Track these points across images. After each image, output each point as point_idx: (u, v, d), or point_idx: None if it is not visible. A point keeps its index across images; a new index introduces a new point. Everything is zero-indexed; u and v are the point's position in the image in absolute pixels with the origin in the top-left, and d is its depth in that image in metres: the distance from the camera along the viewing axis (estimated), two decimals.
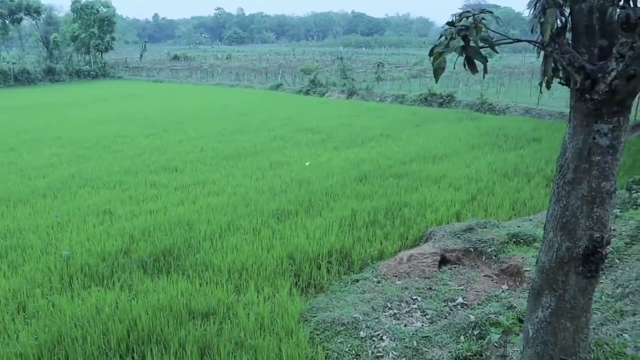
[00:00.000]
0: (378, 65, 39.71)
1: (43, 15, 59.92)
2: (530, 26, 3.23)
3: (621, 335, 4.65)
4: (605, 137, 3.16)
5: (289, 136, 17.53)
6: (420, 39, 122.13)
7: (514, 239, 7.45)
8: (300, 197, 10.04)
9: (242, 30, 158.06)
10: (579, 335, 3.59)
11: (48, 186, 11.62)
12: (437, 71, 3.38)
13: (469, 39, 3.21)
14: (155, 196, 10.70)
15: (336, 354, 5.02)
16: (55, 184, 11.77)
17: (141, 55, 71.86)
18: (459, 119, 20.79)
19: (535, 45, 3.27)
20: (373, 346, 5.14)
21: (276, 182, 11.45)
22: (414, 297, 6.24)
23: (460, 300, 6.17)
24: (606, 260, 4.28)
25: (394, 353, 5.03)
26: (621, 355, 4.35)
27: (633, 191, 8.36)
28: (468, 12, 3.26)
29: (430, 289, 6.48)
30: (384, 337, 5.27)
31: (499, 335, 4.70)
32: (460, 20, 3.26)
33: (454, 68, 3.94)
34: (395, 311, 5.92)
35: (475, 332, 5.17)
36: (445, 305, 6.07)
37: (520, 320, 5.11)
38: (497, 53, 3.80)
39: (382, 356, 5.00)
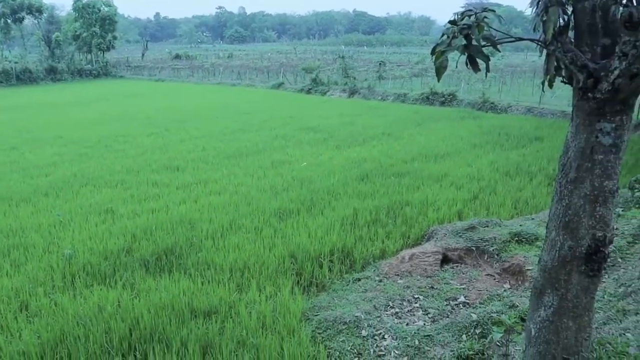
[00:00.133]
0: (380, 64, 39.68)
1: (45, 15, 60.04)
2: (532, 25, 3.23)
3: (624, 334, 4.64)
4: (608, 135, 3.15)
5: (290, 135, 17.53)
6: (422, 37, 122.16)
7: (516, 238, 7.44)
8: (302, 196, 10.04)
9: (244, 29, 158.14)
10: (582, 335, 3.59)
11: (50, 185, 11.64)
12: (440, 70, 3.37)
13: (471, 37, 3.21)
14: (157, 195, 10.71)
15: (338, 353, 5.02)
16: (57, 183, 11.79)
17: (143, 55, 71.95)
18: (460, 117, 20.77)
19: (537, 44, 3.26)
20: (375, 345, 5.14)
21: (278, 181, 11.46)
22: (416, 296, 6.24)
23: (462, 299, 6.16)
24: (609, 260, 4.27)
25: (396, 352, 5.02)
26: (624, 355, 4.34)
27: (636, 190, 8.34)
28: (470, 10, 3.25)
29: (432, 287, 6.48)
30: (386, 336, 5.27)
31: (501, 334, 4.69)
32: (463, 19, 3.25)
33: (456, 67, 3.94)
34: (397, 310, 5.92)
35: (478, 331, 5.17)
36: (447, 304, 6.06)
37: (523, 319, 5.11)
38: (500, 52, 3.80)
39: (384, 355, 4.99)
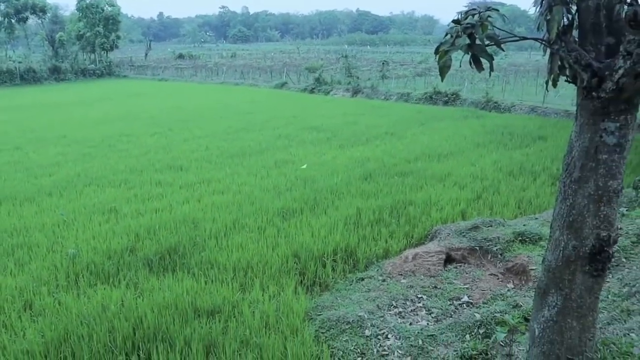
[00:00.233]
0: (383, 63, 39.62)
1: (49, 14, 60.26)
2: (536, 24, 3.22)
3: (628, 334, 4.62)
4: (612, 135, 3.14)
5: (293, 134, 17.53)
6: (425, 37, 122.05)
7: (520, 238, 7.42)
8: (305, 196, 10.04)
9: (247, 29, 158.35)
10: (586, 335, 3.58)
11: (54, 185, 11.67)
12: (443, 69, 3.37)
13: (475, 36, 3.20)
14: (161, 194, 10.73)
15: (341, 353, 5.02)
16: (61, 183, 11.82)
17: (146, 54, 72.11)
18: (464, 117, 20.73)
19: (541, 43, 3.25)
20: (378, 345, 5.13)
21: (281, 180, 11.46)
22: (419, 296, 6.23)
23: (465, 298, 6.15)
24: (613, 259, 4.25)
25: (399, 352, 5.02)
26: (628, 355, 4.33)
27: None
28: (474, 9, 3.25)
29: (436, 287, 6.47)
30: (389, 336, 5.27)
31: (504, 334, 4.68)
32: (466, 18, 3.25)
33: (460, 66, 3.94)
34: (401, 310, 5.91)
35: (481, 331, 5.16)
36: (450, 304, 6.05)
37: (526, 319, 5.09)
38: (503, 51, 3.79)
39: (387, 355, 4.99)
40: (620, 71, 2.90)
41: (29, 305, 6.19)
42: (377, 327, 5.40)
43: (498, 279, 6.75)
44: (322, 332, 5.36)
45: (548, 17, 3.06)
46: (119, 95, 34.80)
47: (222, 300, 6.04)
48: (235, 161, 13.73)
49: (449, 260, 7.28)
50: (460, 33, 3.22)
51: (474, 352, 4.84)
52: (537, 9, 3.17)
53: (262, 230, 8.35)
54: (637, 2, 2.88)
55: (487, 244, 7.41)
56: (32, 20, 61.28)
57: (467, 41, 3.21)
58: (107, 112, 25.55)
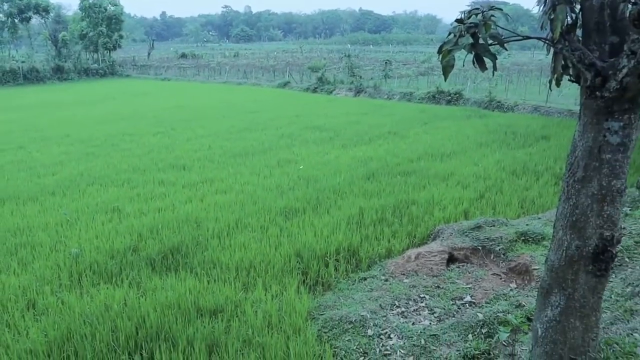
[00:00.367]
0: (386, 62, 39.52)
1: (52, 14, 60.41)
2: (539, 23, 3.21)
3: (631, 334, 4.61)
4: (616, 134, 3.13)
5: (296, 134, 17.53)
6: (428, 36, 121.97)
7: (523, 238, 7.40)
8: (308, 195, 10.04)
9: (250, 28, 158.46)
10: (589, 335, 3.57)
11: (57, 184, 11.70)
12: (446, 69, 3.36)
13: (478, 36, 3.19)
14: (163, 194, 10.74)
15: (344, 352, 5.02)
16: (64, 182, 11.85)
17: (149, 54, 72.19)
18: (467, 116, 20.69)
19: (544, 43, 3.24)
20: (381, 344, 5.13)
21: (284, 180, 11.46)
22: (422, 296, 6.22)
23: (468, 298, 6.15)
24: (616, 259, 4.24)
25: (402, 351, 5.01)
26: (631, 355, 4.31)
27: None
28: (477, 9, 3.24)
29: (438, 287, 6.46)
30: (392, 336, 5.26)
31: (507, 334, 4.67)
32: (469, 18, 3.24)
33: (463, 65, 3.93)
34: (403, 309, 5.91)
35: (484, 331, 5.15)
36: (453, 304, 6.05)
37: (529, 319, 5.08)
38: (506, 50, 3.79)
39: (390, 354, 4.99)
40: (624, 70, 2.89)
41: (32, 305, 6.21)
42: (380, 327, 5.39)
43: (501, 278, 6.74)
44: (325, 332, 5.36)
45: (551, 16, 3.05)
46: (122, 95, 34.86)
47: (224, 299, 6.04)
48: (238, 161, 13.73)
49: (451, 259, 7.27)
50: (463, 32, 3.21)
51: (477, 352, 4.83)
52: (541, 8, 3.16)
53: (265, 230, 8.36)
54: None
55: (490, 243, 7.39)
56: (35, 20, 61.44)
57: (471, 40, 3.20)
58: (110, 111, 25.60)
